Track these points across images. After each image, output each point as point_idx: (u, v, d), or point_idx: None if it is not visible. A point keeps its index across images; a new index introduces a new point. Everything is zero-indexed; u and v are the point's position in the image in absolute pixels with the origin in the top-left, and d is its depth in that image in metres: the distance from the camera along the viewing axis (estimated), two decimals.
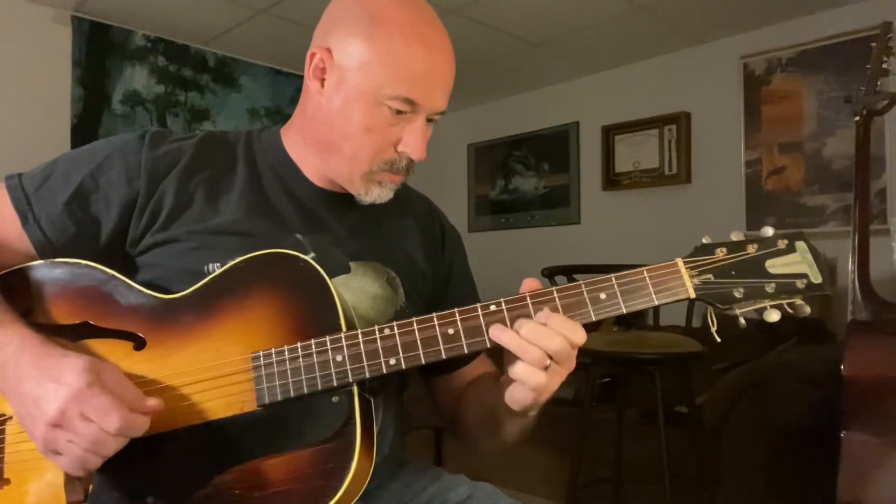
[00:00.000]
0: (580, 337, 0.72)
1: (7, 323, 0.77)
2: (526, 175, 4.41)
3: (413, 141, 0.87)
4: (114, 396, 0.70)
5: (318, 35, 0.90)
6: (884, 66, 1.54)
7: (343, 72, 0.85)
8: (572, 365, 0.75)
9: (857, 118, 1.51)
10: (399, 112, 0.85)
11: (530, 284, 0.76)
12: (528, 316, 0.73)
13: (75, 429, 0.69)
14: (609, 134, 3.90)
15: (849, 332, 1.33)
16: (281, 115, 3.95)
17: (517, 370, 0.72)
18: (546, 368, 0.72)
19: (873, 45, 1.59)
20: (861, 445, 1.23)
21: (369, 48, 0.83)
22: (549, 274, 2.30)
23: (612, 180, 3.89)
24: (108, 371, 0.73)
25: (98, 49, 3.34)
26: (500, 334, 0.72)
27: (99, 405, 0.69)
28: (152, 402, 0.74)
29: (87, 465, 0.71)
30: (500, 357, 1.02)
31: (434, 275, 1.03)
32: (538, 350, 0.71)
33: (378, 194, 0.91)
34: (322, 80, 0.88)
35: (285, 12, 3.16)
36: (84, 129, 3.27)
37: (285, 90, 3.99)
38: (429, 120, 0.89)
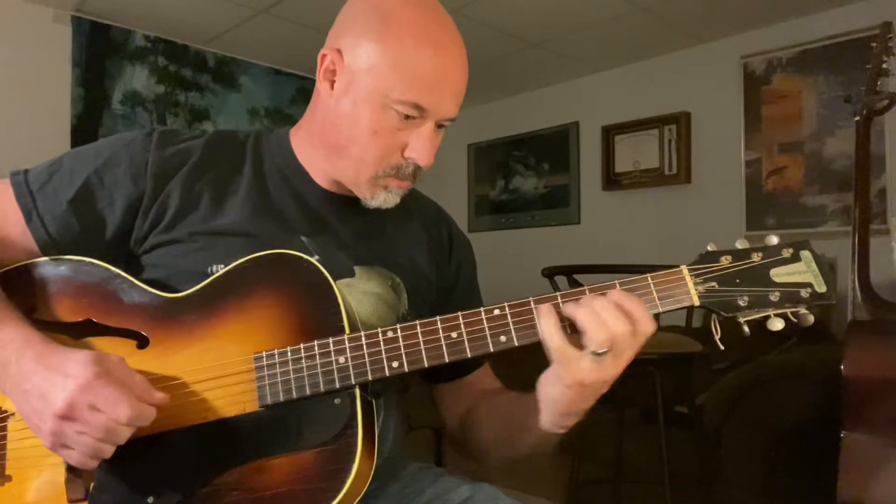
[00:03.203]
0: (648, 327, 0.72)
1: (9, 321, 0.77)
2: (526, 175, 4.40)
3: (420, 146, 0.85)
4: (122, 386, 0.70)
5: (330, 36, 0.89)
6: (884, 66, 1.55)
7: (352, 74, 0.84)
8: (619, 364, 0.73)
9: (857, 118, 1.51)
10: (407, 117, 0.84)
11: None
12: (531, 320, 0.74)
13: (85, 420, 0.69)
14: (609, 134, 3.90)
15: (849, 332, 1.33)
16: (281, 115, 3.93)
17: (558, 349, 0.71)
18: (601, 354, 0.70)
19: (873, 45, 1.59)
20: (861, 445, 1.23)
21: (379, 51, 0.82)
22: (549, 274, 2.29)
23: (612, 180, 3.89)
24: (115, 363, 0.73)
25: (98, 49, 3.34)
26: (571, 310, 0.72)
27: (108, 395, 0.69)
28: (159, 394, 0.74)
29: (100, 455, 0.71)
30: (503, 371, 1.01)
31: (439, 281, 1.01)
32: (607, 330, 0.70)
33: (384, 199, 0.90)
34: (332, 82, 0.87)
35: (285, 12, 3.15)
36: (84, 129, 3.27)
37: (285, 90, 3.98)
38: (439, 126, 0.87)
